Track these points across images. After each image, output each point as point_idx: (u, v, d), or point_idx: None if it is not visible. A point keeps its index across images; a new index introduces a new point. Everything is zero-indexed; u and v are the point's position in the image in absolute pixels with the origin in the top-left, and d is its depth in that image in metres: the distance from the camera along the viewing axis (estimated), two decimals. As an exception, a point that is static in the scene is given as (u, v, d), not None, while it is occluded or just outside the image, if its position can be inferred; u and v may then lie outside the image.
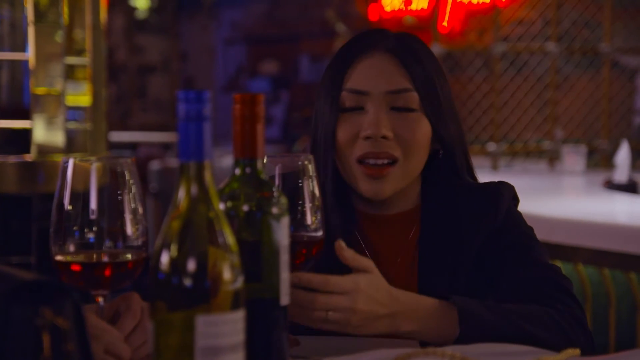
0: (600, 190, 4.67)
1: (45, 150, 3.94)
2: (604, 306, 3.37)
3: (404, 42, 1.82)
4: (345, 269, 1.79)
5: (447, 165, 1.84)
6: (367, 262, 1.50)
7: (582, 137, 6.21)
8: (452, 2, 6.33)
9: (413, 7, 6.83)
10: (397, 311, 1.51)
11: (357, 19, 8.14)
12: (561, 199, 4.62)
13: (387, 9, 6.95)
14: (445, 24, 6.31)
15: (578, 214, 3.72)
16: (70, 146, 4.04)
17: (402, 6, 6.87)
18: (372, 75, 1.78)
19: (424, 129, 1.78)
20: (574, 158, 5.49)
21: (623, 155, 4.70)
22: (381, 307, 1.49)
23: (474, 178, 1.89)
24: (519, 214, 1.86)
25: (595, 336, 3.19)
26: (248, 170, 1.25)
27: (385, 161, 1.75)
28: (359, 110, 1.78)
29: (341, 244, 1.48)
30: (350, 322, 1.47)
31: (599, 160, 6.03)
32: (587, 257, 3.39)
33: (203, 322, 1.03)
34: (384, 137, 1.74)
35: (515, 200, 1.87)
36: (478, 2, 6.27)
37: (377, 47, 1.81)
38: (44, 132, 3.97)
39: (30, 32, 3.96)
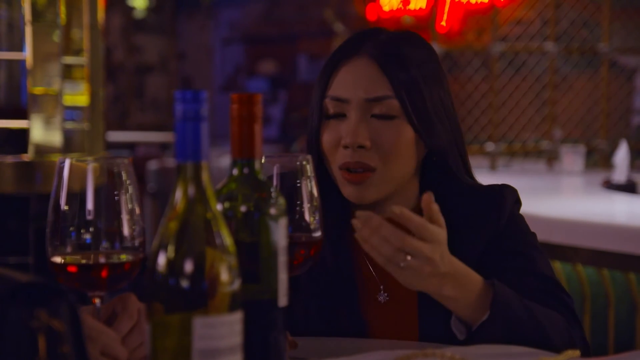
0: (599, 190, 4.66)
1: (42, 150, 3.93)
2: (603, 307, 3.36)
3: (391, 45, 1.79)
4: (342, 272, 1.78)
5: (443, 166, 1.83)
6: (443, 221, 1.51)
7: (581, 137, 6.21)
8: (451, 2, 6.32)
9: (411, 6, 6.82)
10: (449, 273, 1.52)
11: (355, 18, 8.13)
12: (560, 199, 4.61)
13: (386, 8, 6.94)
14: (443, 23, 6.30)
15: (577, 214, 3.71)
16: (68, 146, 4.03)
17: (401, 6, 6.86)
18: (351, 83, 1.77)
19: (404, 136, 1.76)
20: (572, 158, 5.49)
21: (622, 155, 4.70)
22: (443, 264, 1.50)
23: (473, 179, 1.87)
24: (522, 218, 1.84)
25: (594, 337, 3.18)
26: (246, 170, 1.24)
27: (363, 170, 1.75)
28: (342, 117, 1.78)
29: (431, 196, 1.50)
30: (421, 273, 1.48)
31: (598, 160, 6.03)
32: (586, 257, 3.38)
33: (200, 324, 1.02)
34: (362, 147, 1.74)
35: (518, 204, 1.85)
36: (476, 2, 6.26)
37: (359, 53, 1.79)
38: (42, 132, 3.96)
39: (28, 31, 3.95)
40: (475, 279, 1.57)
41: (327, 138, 1.78)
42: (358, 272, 1.81)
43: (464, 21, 6.55)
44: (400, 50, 1.78)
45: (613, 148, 5.41)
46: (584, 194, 4.92)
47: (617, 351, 3.31)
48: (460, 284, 1.54)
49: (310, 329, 1.75)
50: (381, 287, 1.80)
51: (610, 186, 4.65)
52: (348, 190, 1.77)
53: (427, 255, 1.46)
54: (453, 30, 6.49)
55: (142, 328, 1.39)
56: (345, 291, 1.78)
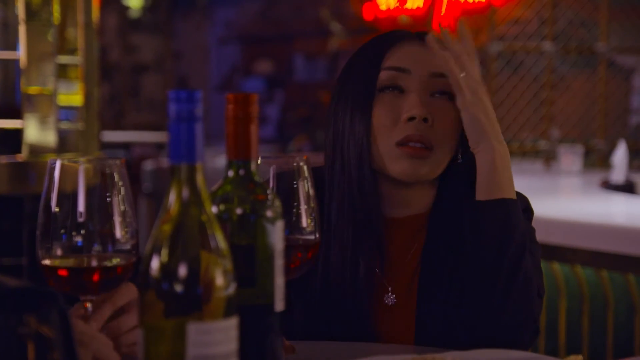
0: (597, 191, 4.65)
1: (36, 150, 3.91)
2: (601, 308, 3.35)
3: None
4: (350, 273, 1.75)
5: (466, 172, 1.78)
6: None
7: (578, 137, 6.20)
8: (448, 1, 6.30)
9: (408, 5, 6.80)
10: (492, 119, 1.71)
11: (351, 18, 8.11)
12: (558, 200, 4.59)
13: (382, 7, 6.92)
14: (440, 23, 6.28)
15: (575, 214, 3.70)
16: (62, 146, 4.01)
17: (398, 5, 6.84)
18: (414, 56, 1.74)
19: (457, 120, 1.72)
20: (570, 158, 5.47)
21: (620, 155, 4.68)
22: (481, 87, 1.71)
23: None
24: (531, 229, 1.80)
25: (592, 338, 3.16)
26: (241, 172, 1.21)
27: (424, 146, 1.71)
28: (397, 91, 1.73)
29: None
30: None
31: (595, 160, 6.02)
32: (585, 258, 3.37)
33: (195, 330, 1.00)
34: (426, 120, 1.70)
35: (528, 212, 1.81)
36: (474, 1, 6.24)
37: (413, 37, 1.78)
38: (36, 132, 3.94)
39: (21, 30, 3.93)
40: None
41: (383, 112, 1.72)
42: (366, 274, 1.77)
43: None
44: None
45: (611, 148, 5.40)
46: (582, 194, 4.91)
47: (616, 353, 3.29)
48: (502, 144, 1.69)
49: (316, 331, 1.72)
50: (389, 288, 1.77)
51: (609, 186, 4.64)
52: (403, 165, 1.71)
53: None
54: (450, 30, 6.46)
55: (132, 315, 1.37)
56: (353, 293, 1.75)
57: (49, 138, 3.94)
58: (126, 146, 9.20)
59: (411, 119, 1.70)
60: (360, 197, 1.75)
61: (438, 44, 1.69)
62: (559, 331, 3.44)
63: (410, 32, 1.80)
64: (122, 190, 1.28)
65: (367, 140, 1.72)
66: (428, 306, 1.71)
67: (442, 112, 1.72)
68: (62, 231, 1.26)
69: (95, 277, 1.25)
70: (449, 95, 1.72)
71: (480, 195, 1.69)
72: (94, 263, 1.26)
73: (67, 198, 1.26)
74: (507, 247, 1.63)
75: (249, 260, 1.18)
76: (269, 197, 1.21)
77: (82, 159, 1.28)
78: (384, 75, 1.74)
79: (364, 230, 1.75)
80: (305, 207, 1.41)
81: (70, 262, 1.26)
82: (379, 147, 1.73)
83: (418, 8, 6.76)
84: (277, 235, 1.20)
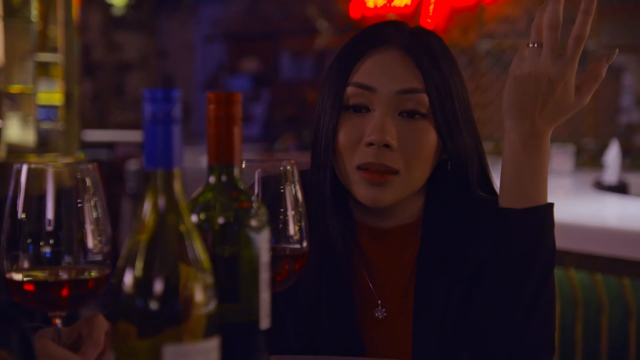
0: (590, 192, 4.59)
1: (15, 150, 3.83)
2: (595, 312, 3.29)
3: (420, 38, 1.66)
4: (340, 286, 1.66)
5: (456, 177, 1.69)
6: None
7: (569, 137, 6.15)
8: (436, -1, 6.25)
9: (396, 3, 6.72)
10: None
11: (338, 15, 8.05)
12: (550, 200, 4.52)
13: (370, 5, 6.85)
14: (429, 20, 6.22)
15: (568, 216, 3.63)
16: (42, 146, 3.93)
17: (385, 3, 6.77)
18: (381, 72, 1.63)
19: (430, 139, 1.63)
20: (562, 158, 5.42)
21: (613, 155, 4.63)
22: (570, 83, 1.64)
23: (492, 191, 1.73)
24: None
25: (586, 343, 3.10)
26: (224, 177, 1.12)
27: (386, 171, 1.61)
28: (364, 111, 1.63)
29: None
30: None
31: (586, 159, 5.97)
32: (579, 261, 3.31)
33: (172, 353, 0.91)
34: (387, 146, 1.60)
35: None
36: (462, -1, 6.19)
37: (390, 43, 1.65)
38: (15, 131, 3.85)
39: (0, 28, 3.84)
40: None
41: (345, 134, 1.63)
42: (356, 286, 1.69)
43: (450, 18, 6.47)
44: (431, 45, 1.66)
45: (601, 147, 5.35)
46: (575, 195, 4.85)
47: (610, 359, 3.23)
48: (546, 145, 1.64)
49: (304, 344, 1.65)
50: (379, 302, 1.68)
51: (602, 187, 4.59)
52: (364, 192, 1.62)
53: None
54: (439, 28, 6.40)
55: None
56: (342, 306, 1.66)
57: (29, 138, 3.85)
58: (110, 145, 9.11)
59: (371, 144, 1.61)
60: (332, 207, 1.68)
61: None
62: (552, 336, 3.37)
63: (384, 37, 1.66)
64: (95, 196, 1.19)
65: (330, 158, 1.66)
66: (425, 320, 1.63)
67: (411, 134, 1.62)
68: (29, 241, 1.16)
69: (65, 292, 1.15)
70: (420, 114, 1.62)
71: (505, 200, 1.58)
72: (64, 276, 1.16)
73: (35, 206, 1.16)
74: (535, 262, 1.54)
75: (232, 274, 1.09)
76: (254, 204, 1.12)
77: (51, 163, 1.18)
78: (350, 92, 1.64)
79: (337, 239, 1.68)
80: (293, 213, 1.31)
81: (38, 275, 1.16)
82: (341, 168, 1.65)
83: (406, 6, 6.69)
84: (262, 245, 1.11)
